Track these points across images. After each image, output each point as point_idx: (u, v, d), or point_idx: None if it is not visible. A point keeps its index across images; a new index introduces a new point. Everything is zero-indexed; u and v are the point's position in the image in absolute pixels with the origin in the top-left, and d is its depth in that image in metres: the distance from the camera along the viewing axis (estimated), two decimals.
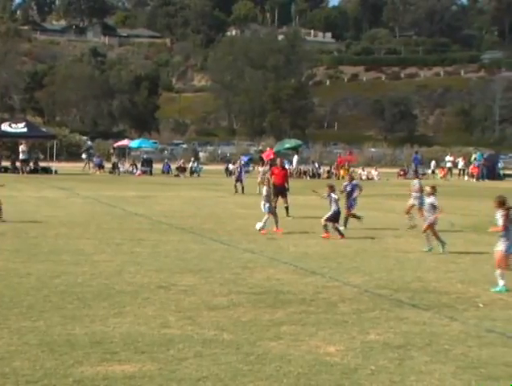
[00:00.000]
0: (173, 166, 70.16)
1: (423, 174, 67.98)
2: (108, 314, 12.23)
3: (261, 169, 27.36)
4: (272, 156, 69.60)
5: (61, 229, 23.32)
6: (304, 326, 11.78)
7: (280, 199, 28.12)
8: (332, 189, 23.50)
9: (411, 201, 25.78)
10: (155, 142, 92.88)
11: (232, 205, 34.71)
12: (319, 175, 67.91)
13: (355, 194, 25.91)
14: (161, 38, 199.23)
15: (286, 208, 28.72)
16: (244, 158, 74.49)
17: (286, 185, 29.04)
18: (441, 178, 70.50)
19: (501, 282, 14.75)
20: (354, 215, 25.44)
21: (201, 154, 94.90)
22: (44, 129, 71.91)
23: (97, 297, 13.51)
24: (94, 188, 43.87)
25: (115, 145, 79.02)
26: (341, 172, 66.98)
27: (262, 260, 18.38)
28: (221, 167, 71.89)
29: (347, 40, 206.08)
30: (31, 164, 62.40)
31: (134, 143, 78.02)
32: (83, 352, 10.01)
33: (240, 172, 43.68)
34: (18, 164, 61.08)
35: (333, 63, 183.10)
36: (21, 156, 61.32)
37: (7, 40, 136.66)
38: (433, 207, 20.15)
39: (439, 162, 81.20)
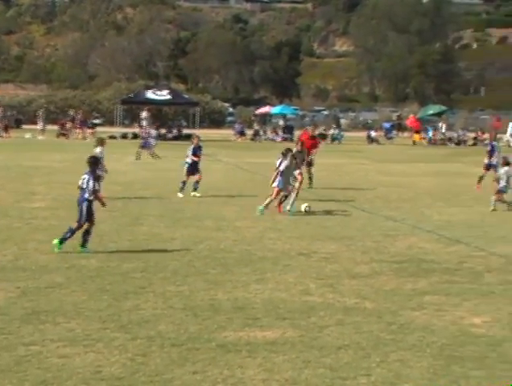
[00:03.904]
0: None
1: None
2: (249, 279, 12.40)
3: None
4: (416, 123, 68.76)
5: (203, 195, 23.69)
6: (448, 296, 11.62)
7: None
8: None
9: None
10: (296, 109, 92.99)
11: (373, 172, 34.45)
12: (464, 142, 66.40)
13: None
14: (303, 3, 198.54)
15: (310, 178, 26.73)
16: (386, 125, 73.76)
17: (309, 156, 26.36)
18: None
19: None
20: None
21: (342, 121, 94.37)
22: (187, 96, 73.14)
23: (238, 263, 13.72)
24: (235, 155, 44.41)
25: (257, 112, 79.59)
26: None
27: (404, 228, 18.21)
28: (363, 134, 71.30)
29: (496, 0, 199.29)
30: (175, 131, 63.63)
31: (275, 110, 78.36)
32: (225, 317, 10.20)
33: None
34: (162, 131, 62.06)
35: (481, 25, 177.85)
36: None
37: (152, 7, 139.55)
38: None
39: None
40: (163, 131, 62.30)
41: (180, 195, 23.41)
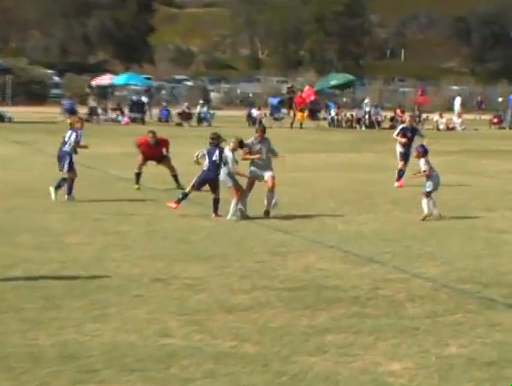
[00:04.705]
0: (174, 112, 70.12)
1: None
2: (84, 317, 12.31)
3: None
4: (312, 97, 69.61)
5: (18, 200, 23.43)
6: (358, 334, 11.80)
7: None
8: None
9: None
10: (149, 78, 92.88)
11: None
12: (378, 124, 67.48)
13: None
14: None
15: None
16: (272, 101, 74.41)
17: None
18: None
19: None
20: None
21: (213, 95, 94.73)
22: None
23: (68, 294, 13.59)
24: None
25: (93, 82, 79.02)
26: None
27: (298, 242, 18.41)
28: (242, 113, 71.79)
29: None
30: None
31: (119, 79, 77.99)
32: (50, 370, 10.09)
33: None
34: None
35: None
36: None
37: None
38: None
39: None
40: None
41: (54, 196, 23.69)
